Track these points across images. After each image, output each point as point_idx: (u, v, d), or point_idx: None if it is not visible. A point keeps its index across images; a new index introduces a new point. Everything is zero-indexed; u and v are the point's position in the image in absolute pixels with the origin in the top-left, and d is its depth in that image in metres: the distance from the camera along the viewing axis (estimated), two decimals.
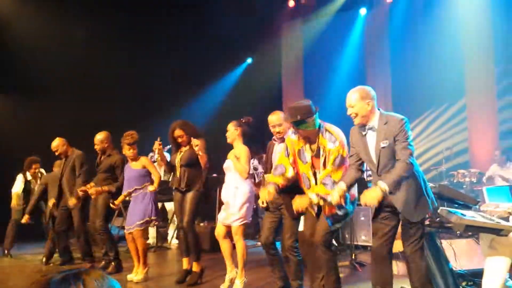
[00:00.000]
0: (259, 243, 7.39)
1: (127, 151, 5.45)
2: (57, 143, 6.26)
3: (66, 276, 1.35)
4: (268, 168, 4.42)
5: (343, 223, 3.86)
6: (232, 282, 4.74)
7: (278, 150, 4.26)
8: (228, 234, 4.74)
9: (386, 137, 3.28)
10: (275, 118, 4.28)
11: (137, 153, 5.48)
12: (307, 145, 3.69)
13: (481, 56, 8.76)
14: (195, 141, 4.94)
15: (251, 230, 7.71)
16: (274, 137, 4.38)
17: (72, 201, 6.03)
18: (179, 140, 5.14)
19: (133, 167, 5.47)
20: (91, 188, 5.80)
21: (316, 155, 3.64)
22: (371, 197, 3.19)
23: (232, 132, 4.76)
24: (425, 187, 3.36)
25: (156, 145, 5.17)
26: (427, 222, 4.59)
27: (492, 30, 8.68)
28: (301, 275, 4.18)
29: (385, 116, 3.35)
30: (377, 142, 3.32)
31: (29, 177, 7.68)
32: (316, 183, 3.64)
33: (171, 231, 7.89)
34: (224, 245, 4.75)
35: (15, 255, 7.36)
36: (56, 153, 6.32)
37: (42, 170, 7.64)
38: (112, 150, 5.97)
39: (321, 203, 3.53)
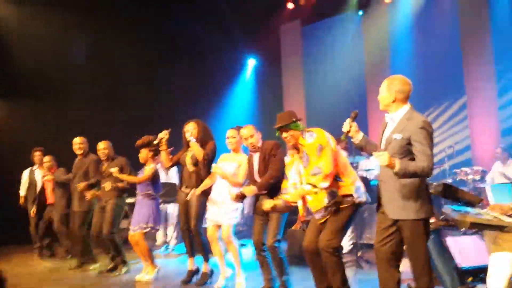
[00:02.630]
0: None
1: (141, 154, 5.53)
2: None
3: None
4: (249, 179, 4.61)
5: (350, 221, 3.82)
6: (225, 279, 4.89)
7: (255, 160, 4.50)
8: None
9: (401, 131, 3.26)
10: (246, 131, 4.49)
11: (148, 156, 5.53)
12: (297, 156, 3.80)
13: (481, 53, 8.81)
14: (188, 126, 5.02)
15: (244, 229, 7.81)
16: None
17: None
18: (189, 134, 5.10)
19: (145, 171, 5.57)
20: (107, 183, 5.84)
21: (301, 158, 3.76)
22: (384, 156, 3.14)
23: (238, 140, 4.82)
24: (422, 192, 3.28)
25: (163, 133, 5.16)
26: (431, 220, 4.65)
27: (491, 27, 8.74)
28: (286, 270, 4.38)
29: (411, 113, 3.33)
30: (391, 132, 3.33)
31: (34, 168, 7.76)
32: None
33: (171, 231, 7.94)
34: (218, 247, 4.86)
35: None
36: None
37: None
38: (114, 155, 6.09)
39: (313, 194, 3.60)
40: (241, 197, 4.41)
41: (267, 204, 3.94)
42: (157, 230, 6.20)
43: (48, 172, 7.17)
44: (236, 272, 4.81)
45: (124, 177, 5.68)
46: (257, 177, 4.47)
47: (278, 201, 3.89)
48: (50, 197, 7.45)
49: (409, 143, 3.23)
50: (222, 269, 4.94)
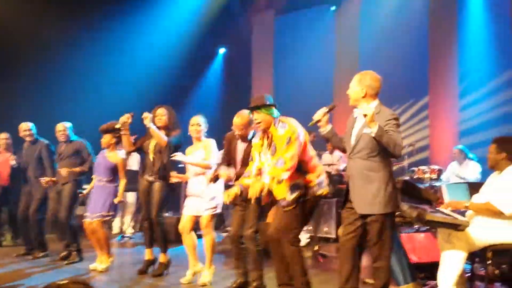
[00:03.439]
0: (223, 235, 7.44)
1: (104, 139, 5.36)
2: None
3: None
4: (228, 161, 4.49)
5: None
6: (194, 275, 4.75)
7: (239, 149, 4.40)
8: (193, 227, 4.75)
9: None
10: (238, 120, 4.34)
11: (111, 142, 5.38)
12: (265, 142, 3.77)
13: (445, 54, 9.02)
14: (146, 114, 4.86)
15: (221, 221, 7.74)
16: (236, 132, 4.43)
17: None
18: (158, 122, 4.98)
19: (107, 157, 5.38)
20: (63, 169, 5.67)
21: (271, 147, 3.73)
22: (367, 107, 3.23)
23: (202, 129, 4.74)
24: (389, 188, 3.34)
25: (125, 117, 4.94)
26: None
27: (457, 29, 8.95)
28: (261, 265, 4.26)
29: (380, 107, 3.40)
30: (362, 126, 3.36)
31: None
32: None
33: (128, 219, 7.79)
34: (190, 240, 4.73)
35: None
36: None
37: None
38: (73, 139, 5.96)
39: (274, 186, 3.57)
40: (213, 180, 4.40)
41: (225, 196, 3.87)
42: (114, 218, 6.06)
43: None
44: (205, 264, 4.70)
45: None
46: (238, 165, 4.38)
47: (236, 189, 3.84)
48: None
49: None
50: (192, 262, 4.79)
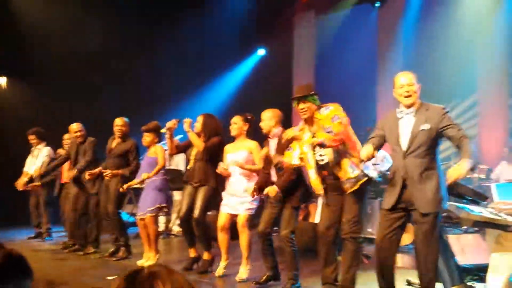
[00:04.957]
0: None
1: (143, 138, 5.54)
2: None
3: None
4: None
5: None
6: (226, 268, 4.92)
7: (271, 147, 4.53)
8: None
9: (427, 121, 3.35)
10: (265, 115, 4.62)
11: (154, 141, 5.53)
12: (307, 130, 3.85)
13: (494, 52, 8.71)
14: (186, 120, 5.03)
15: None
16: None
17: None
18: (195, 128, 5.11)
19: (148, 155, 5.56)
20: (106, 171, 5.86)
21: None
22: (458, 171, 3.22)
23: (241, 126, 4.84)
24: (444, 184, 3.39)
25: (171, 123, 5.11)
26: None
27: (506, 27, 8.62)
28: (296, 265, 4.34)
29: (426, 104, 3.47)
30: (416, 124, 3.37)
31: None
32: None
33: (174, 217, 7.95)
34: (225, 237, 4.88)
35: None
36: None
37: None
38: (128, 136, 6.05)
39: (315, 141, 3.68)
40: (257, 192, 4.46)
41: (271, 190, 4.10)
42: (169, 209, 6.09)
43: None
44: (242, 262, 4.82)
45: (144, 175, 5.43)
46: (273, 169, 4.48)
47: (279, 157, 3.95)
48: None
49: (437, 132, 3.33)
50: (224, 257, 4.96)
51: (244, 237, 4.76)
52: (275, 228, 4.90)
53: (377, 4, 10.29)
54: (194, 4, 9.83)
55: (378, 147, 3.54)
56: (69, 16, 9.10)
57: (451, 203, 3.58)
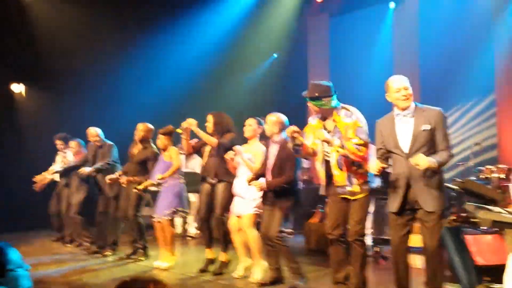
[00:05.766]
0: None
1: (159, 141, 5.60)
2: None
3: None
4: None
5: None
6: (246, 270, 4.90)
7: (271, 152, 4.56)
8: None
9: (427, 122, 3.38)
10: (268, 119, 4.62)
11: (169, 145, 5.57)
12: (323, 125, 3.86)
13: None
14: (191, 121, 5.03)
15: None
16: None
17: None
18: (207, 128, 5.16)
19: (164, 158, 5.61)
20: (122, 177, 5.94)
21: (333, 133, 3.78)
22: (423, 160, 3.24)
23: (255, 129, 4.86)
24: (443, 182, 3.47)
25: (187, 123, 5.10)
26: (453, 217, 4.59)
27: None
28: (294, 258, 4.43)
29: (421, 106, 3.50)
30: (416, 125, 3.40)
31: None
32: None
33: (191, 219, 8.00)
34: (239, 237, 4.91)
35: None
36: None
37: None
38: (149, 143, 6.08)
39: (337, 148, 3.66)
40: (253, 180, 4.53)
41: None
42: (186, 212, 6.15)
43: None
44: (255, 262, 4.83)
45: (159, 176, 5.44)
46: (268, 173, 4.50)
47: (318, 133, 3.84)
48: None
49: (433, 133, 3.39)
50: (241, 258, 4.98)
51: (251, 237, 4.77)
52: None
53: (392, 6, 10.20)
54: (209, 5, 9.89)
55: (387, 158, 3.59)
56: (88, 25, 9.19)
57: (469, 203, 3.55)
